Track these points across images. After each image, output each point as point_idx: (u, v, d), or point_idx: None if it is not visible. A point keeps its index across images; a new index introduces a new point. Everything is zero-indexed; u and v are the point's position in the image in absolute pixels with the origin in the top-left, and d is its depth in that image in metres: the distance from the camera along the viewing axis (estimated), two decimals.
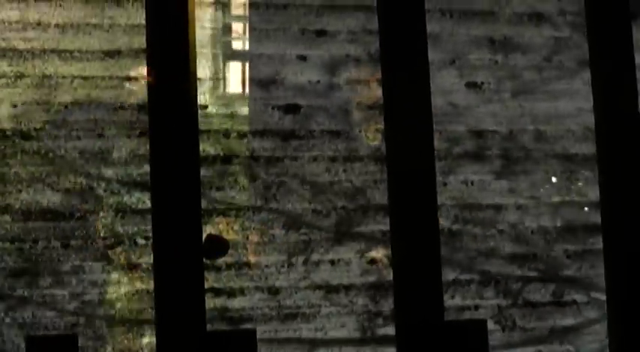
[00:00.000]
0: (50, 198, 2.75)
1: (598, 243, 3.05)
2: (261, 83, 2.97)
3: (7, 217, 2.73)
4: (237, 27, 2.98)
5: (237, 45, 2.98)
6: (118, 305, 2.77)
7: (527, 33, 3.20)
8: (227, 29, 2.96)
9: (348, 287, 2.95)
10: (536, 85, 3.20)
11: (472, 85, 3.14)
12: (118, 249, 2.78)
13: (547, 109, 3.20)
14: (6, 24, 2.80)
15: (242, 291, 2.88)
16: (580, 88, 3.21)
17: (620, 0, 3.20)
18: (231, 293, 2.87)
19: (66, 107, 2.80)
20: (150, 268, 2.76)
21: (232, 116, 2.93)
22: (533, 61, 3.20)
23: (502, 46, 3.18)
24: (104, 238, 2.77)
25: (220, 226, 2.88)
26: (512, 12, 3.20)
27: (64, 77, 2.81)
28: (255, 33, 2.99)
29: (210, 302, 2.82)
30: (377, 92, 2.99)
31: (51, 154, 2.77)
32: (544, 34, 3.21)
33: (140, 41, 2.82)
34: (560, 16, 3.24)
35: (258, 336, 2.72)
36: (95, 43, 2.84)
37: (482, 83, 3.15)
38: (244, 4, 2.99)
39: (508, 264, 3.08)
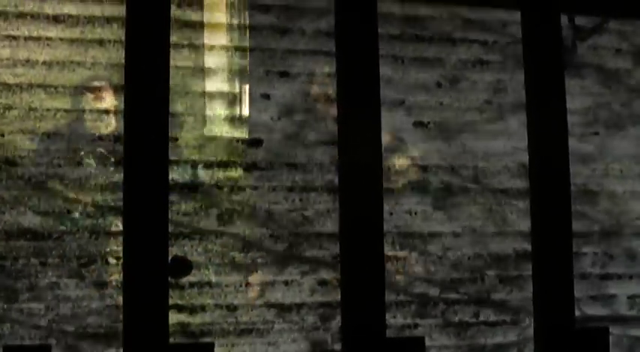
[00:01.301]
0: (31, 220, 2.73)
1: (527, 269, 3.13)
2: (227, 119, 2.96)
3: None
4: (210, 68, 2.96)
5: (208, 84, 2.95)
6: (89, 318, 2.75)
7: (471, 77, 3.21)
8: (199, 70, 2.94)
9: (299, 306, 2.95)
10: (477, 125, 3.20)
11: (419, 124, 3.14)
12: (91, 268, 2.76)
13: (486, 147, 3.20)
14: None
15: (203, 308, 2.87)
16: (516, 129, 3.20)
17: (553, 50, 3.25)
18: (192, 310, 2.86)
19: (48, 137, 2.79)
20: (119, 285, 2.74)
21: (200, 148, 2.91)
22: (475, 102, 3.21)
23: (447, 89, 3.18)
24: (79, 257, 2.75)
25: (185, 248, 2.86)
26: (457, 58, 3.20)
27: (48, 110, 2.79)
28: (225, 73, 2.97)
29: (174, 318, 2.80)
30: (333, 128, 2.99)
31: (33, 180, 2.75)
32: (485, 78, 3.22)
33: (119, 78, 2.81)
34: (500, 64, 3.25)
35: (216, 349, 2.74)
36: (78, 79, 2.82)
37: (429, 122, 3.15)
38: (218, 47, 2.97)
39: (446, 287, 3.08)
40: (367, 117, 3.06)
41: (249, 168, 2.95)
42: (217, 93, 2.96)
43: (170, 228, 2.77)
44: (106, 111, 2.82)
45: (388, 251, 3.02)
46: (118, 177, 2.77)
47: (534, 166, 3.21)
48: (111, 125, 2.82)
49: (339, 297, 2.91)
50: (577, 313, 3.14)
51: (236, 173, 2.94)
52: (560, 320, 3.13)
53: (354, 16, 3.04)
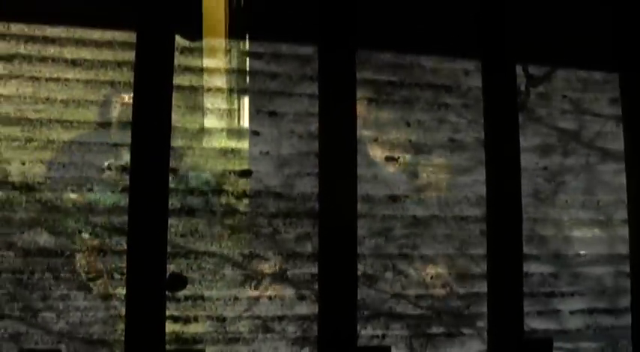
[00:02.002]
0: (46, 239, 2.82)
1: (483, 287, 3.23)
2: (221, 152, 3.06)
3: (10, 253, 2.79)
4: (208, 108, 3.07)
5: (206, 122, 3.06)
6: (95, 326, 2.84)
7: (437, 117, 3.29)
8: (198, 108, 3.04)
9: (281, 318, 3.04)
10: (442, 160, 3.30)
11: (390, 159, 3.24)
12: (98, 282, 2.86)
13: (449, 180, 3.30)
14: (21, 98, 2.88)
15: (196, 319, 2.95)
16: (477, 164, 3.30)
17: (509, 95, 3.36)
18: (187, 320, 2.95)
19: (64, 166, 2.88)
20: (123, 298, 2.84)
21: (196, 178, 3.01)
22: (441, 140, 3.30)
23: (416, 128, 3.28)
24: (87, 272, 2.85)
25: (181, 266, 2.96)
26: (425, 101, 3.30)
27: (64, 142, 2.89)
28: (220, 112, 3.08)
29: (170, 327, 2.90)
30: (314, 162, 3.11)
31: (49, 204, 2.84)
32: (449, 119, 3.31)
33: (127, 116, 2.91)
34: (464, 107, 3.35)
35: None
36: (91, 115, 2.92)
37: (399, 157, 3.25)
38: (215, 89, 3.08)
39: (411, 302, 3.18)
40: (344, 152, 3.16)
41: (240, 196, 3.05)
42: (214, 130, 3.06)
43: (168, 248, 2.85)
44: (115, 145, 2.91)
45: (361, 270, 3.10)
46: (124, 202, 2.87)
47: (491, 197, 3.32)
48: (119, 157, 2.91)
49: (316, 311, 3.02)
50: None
51: (228, 200, 3.03)
52: (511, 332, 3.24)
53: (335, 64, 3.13)
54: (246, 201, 3.04)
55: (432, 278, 3.22)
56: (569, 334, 3.37)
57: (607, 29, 3.46)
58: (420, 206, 3.22)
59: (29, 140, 2.84)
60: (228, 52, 3.10)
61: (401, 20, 3.22)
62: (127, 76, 2.95)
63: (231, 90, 3.10)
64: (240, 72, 3.13)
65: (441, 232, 3.23)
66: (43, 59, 2.89)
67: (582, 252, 3.46)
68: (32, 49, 2.87)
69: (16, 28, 2.86)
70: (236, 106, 3.10)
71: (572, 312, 3.36)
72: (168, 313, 2.85)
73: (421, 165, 3.25)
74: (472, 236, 3.25)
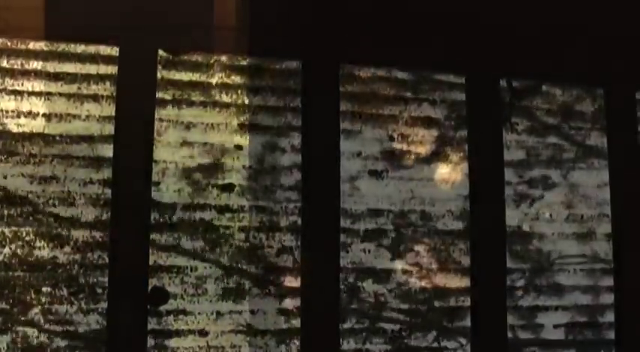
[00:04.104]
0: (27, 252, 2.80)
1: (467, 300, 3.23)
2: (204, 167, 3.05)
3: None
4: (190, 122, 3.06)
5: (188, 136, 3.04)
6: (77, 341, 2.81)
7: (419, 132, 3.30)
8: (181, 123, 3.04)
9: (264, 332, 3.04)
10: (425, 174, 3.30)
11: (373, 173, 3.23)
12: (80, 296, 2.84)
13: (432, 193, 3.30)
14: (3, 112, 2.87)
15: (177, 333, 2.94)
16: (459, 177, 3.31)
17: (493, 109, 3.37)
18: (168, 334, 2.94)
19: (45, 180, 2.86)
20: (104, 312, 2.83)
21: (179, 192, 3.00)
22: (423, 154, 3.30)
23: (399, 142, 3.28)
24: (69, 286, 2.82)
25: (163, 280, 2.95)
26: (408, 116, 3.30)
27: (46, 156, 2.87)
28: (204, 126, 3.07)
29: (151, 341, 2.89)
30: (297, 176, 3.10)
31: (31, 217, 2.83)
32: (432, 133, 3.32)
33: (110, 129, 2.91)
34: (447, 120, 3.35)
35: None
36: (73, 129, 2.90)
37: (382, 171, 3.24)
38: (198, 103, 3.08)
39: (395, 315, 3.18)
40: (327, 165, 3.16)
41: (223, 210, 3.04)
42: (196, 143, 3.06)
43: (150, 262, 2.85)
44: (97, 159, 2.90)
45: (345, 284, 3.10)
46: (106, 216, 2.85)
47: (474, 210, 3.32)
48: (101, 171, 2.89)
49: (299, 324, 3.01)
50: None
51: (210, 214, 3.02)
52: (494, 345, 3.24)
53: (319, 80, 3.13)
54: (228, 214, 3.03)
55: (415, 292, 3.22)
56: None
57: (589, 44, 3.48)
58: (403, 220, 3.22)
59: (11, 154, 2.85)
60: (211, 66, 3.09)
61: (386, 36, 3.22)
62: (110, 89, 2.95)
63: (214, 104, 3.08)
64: (223, 86, 3.12)
65: (424, 246, 3.24)
66: (25, 73, 2.89)
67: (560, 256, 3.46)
68: (15, 63, 2.87)
69: None
70: (219, 120, 3.07)
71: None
72: (149, 327, 2.85)
73: (403, 179, 3.25)
74: (456, 249, 3.26)
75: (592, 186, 3.48)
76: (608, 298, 3.40)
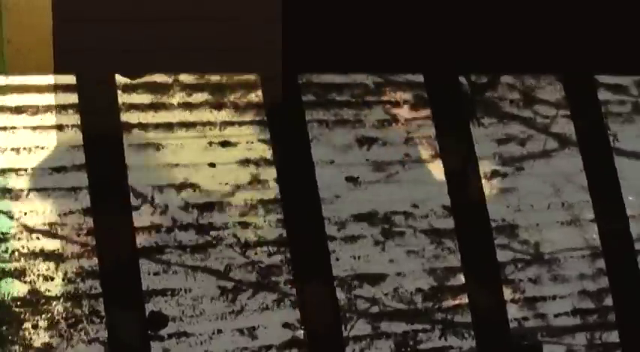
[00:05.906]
0: (20, 289, 3.02)
1: (464, 298, 3.51)
2: (181, 186, 3.34)
3: None
4: (160, 144, 3.36)
5: (161, 157, 3.34)
6: None
7: (390, 134, 3.63)
8: (152, 145, 3.33)
9: (268, 347, 3.29)
10: (400, 176, 3.61)
11: (350, 179, 3.54)
12: (79, 327, 3.06)
13: (411, 194, 3.59)
14: None
15: None
16: (435, 176, 3.63)
17: (456, 105, 3.72)
18: None
19: (25, 214, 3.11)
20: (105, 341, 3.05)
21: (161, 214, 3.27)
22: (396, 156, 3.62)
23: (370, 146, 3.59)
24: (66, 319, 3.04)
25: (160, 304, 3.18)
26: (374, 119, 3.64)
27: (21, 190, 3.13)
28: (173, 146, 3.37)
29: None
30: (275, 189, 3.41)
31: (16, 253, 3.07)
32: (402, 134, 3.65)
33: (80, 158, 3.18)
34: (415, 120, 3.69)
35: None
36: (44, 161, 3.16)
37: (358, 177, 3.55)
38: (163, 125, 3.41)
39: (393, 317, 3.45)
40: (302, 176, 3.43)
41: (206, 229, 3.32)
42: (170, 165, 3.35)
43: (144, 286, 3.06)
44: (73, 189, 3.16)
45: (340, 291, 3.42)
46: (91, 245, 3.13)
47: (456, 208, 3.62)
48: (78, 200, 3.15)
49: (301, 336, 3.27)
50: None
51: (194, 235, 3.30)
52: (496, 340, 3.52)
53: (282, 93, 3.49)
54: (214, 233, 3.32)
55: (410, 294, 3.51)
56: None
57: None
58: (388, 222, 3.51)
59: None
60: (170, 86, 3.37)
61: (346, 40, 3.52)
62: (74, 118, 3.25)
63: (181, 124, 3.35)
64: (185, 105, 3.39)
65: (413, 246, 3.53)
66: None
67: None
68: None
69: None
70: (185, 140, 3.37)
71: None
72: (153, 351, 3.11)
73: (380, 182, 3.54)
74: (444, 248, 3.57)
75: (568, 173, 3.83)
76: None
